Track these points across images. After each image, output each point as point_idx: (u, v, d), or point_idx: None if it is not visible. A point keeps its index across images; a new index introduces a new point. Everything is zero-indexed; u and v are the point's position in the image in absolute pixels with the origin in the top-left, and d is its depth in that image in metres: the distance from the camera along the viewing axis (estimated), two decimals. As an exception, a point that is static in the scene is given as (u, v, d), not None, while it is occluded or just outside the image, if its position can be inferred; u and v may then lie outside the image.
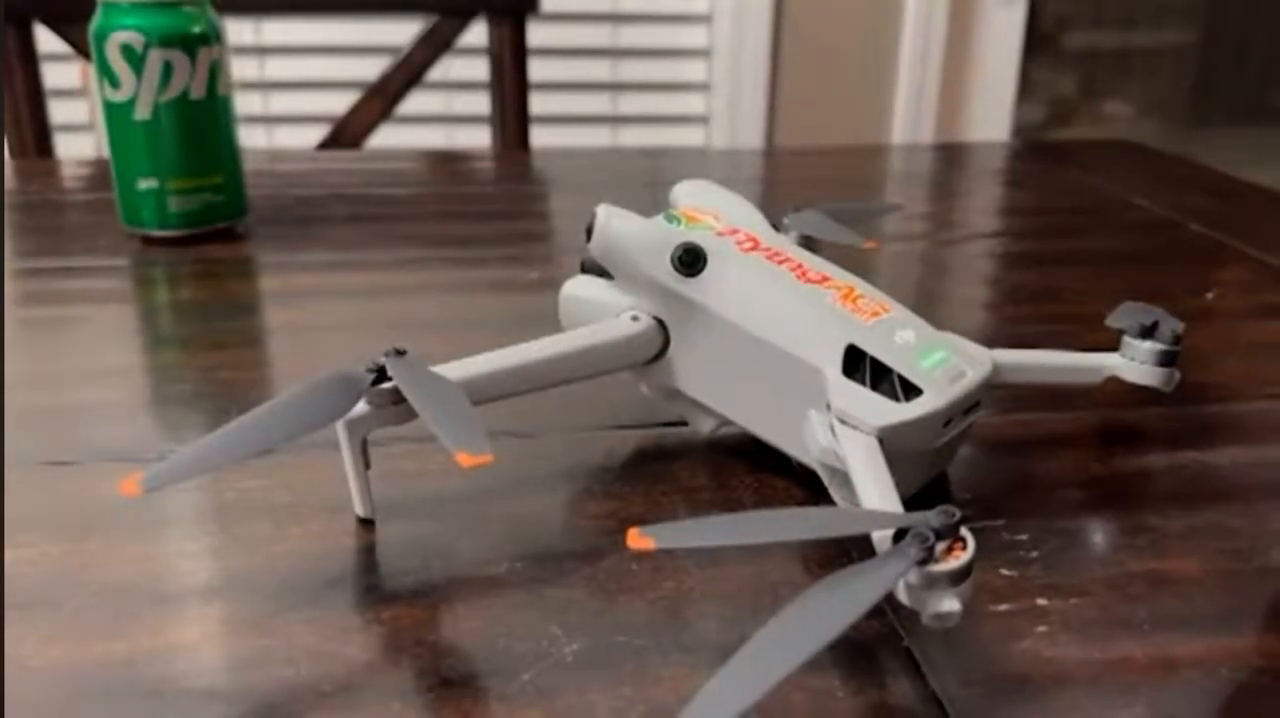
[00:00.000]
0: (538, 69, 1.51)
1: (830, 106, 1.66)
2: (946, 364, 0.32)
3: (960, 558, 0.24)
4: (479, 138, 1.58)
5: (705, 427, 0.36)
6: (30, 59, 0.93)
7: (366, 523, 0.32)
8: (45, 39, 0.94)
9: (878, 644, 0.27)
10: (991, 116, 1.70)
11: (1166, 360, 0.36)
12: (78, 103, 1.47)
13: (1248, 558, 0.31)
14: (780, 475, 0.35)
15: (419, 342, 0.46)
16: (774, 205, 0.68)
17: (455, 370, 0.32)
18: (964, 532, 0.24)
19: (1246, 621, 0.29)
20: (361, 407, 0.30)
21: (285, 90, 1.57)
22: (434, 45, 1.01)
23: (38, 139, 0.94)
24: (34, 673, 0.26)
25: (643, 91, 1.63)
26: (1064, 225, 0.66)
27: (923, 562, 0.23)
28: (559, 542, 0.32)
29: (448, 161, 0.82)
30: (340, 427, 0.30)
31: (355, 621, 0.28)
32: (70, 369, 0.43)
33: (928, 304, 0.52)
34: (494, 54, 1.00)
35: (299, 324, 0.48)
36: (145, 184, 0.57)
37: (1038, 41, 1.92)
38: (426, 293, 0.52)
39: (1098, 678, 0.26)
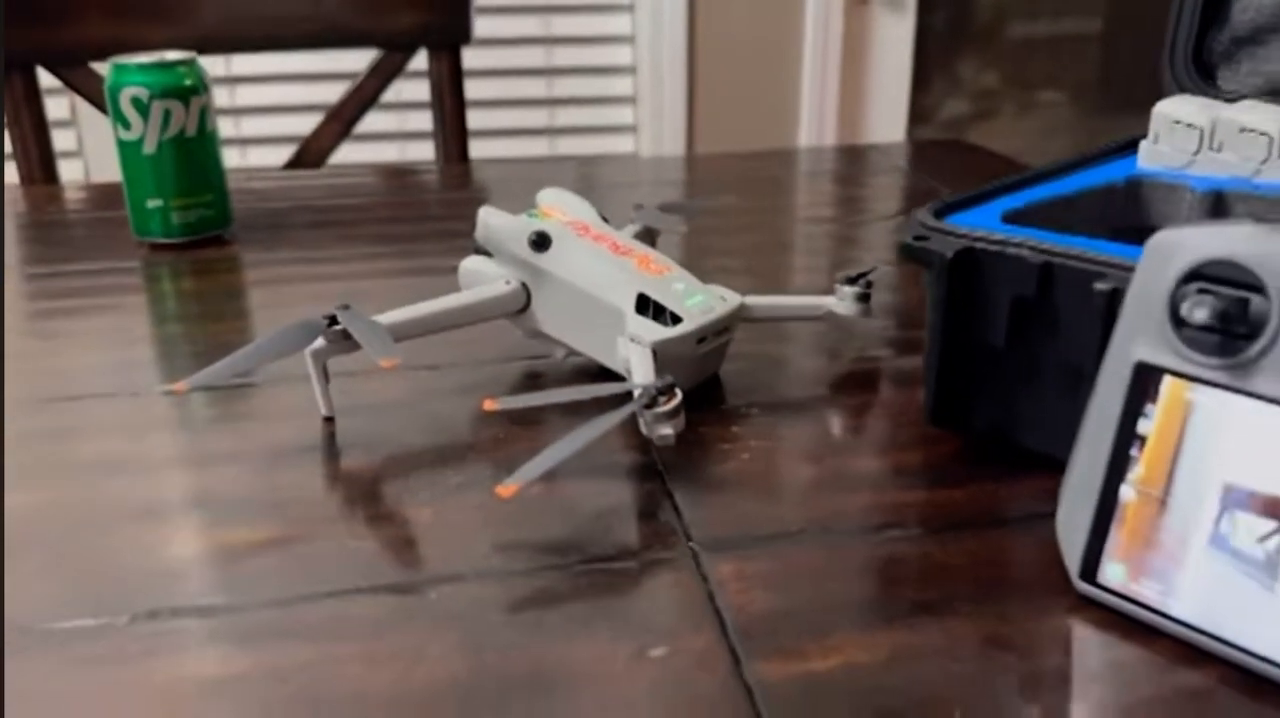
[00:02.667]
0: (480, 88, 1.67)
1: (743, 115, 1.84)
2: (703, 304, 0.49)
3: (671, 404, 0.41)
4: (429, 152, 1.74)
5: (559, 355, 0.53)
6: (35, 96, 1.09)
7: (328, 420, 0.49)
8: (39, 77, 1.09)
9: (641, 470, 0.44)
10: (889, 117, 1.89)
11: (863, 299, 0.53)
12: (68, 132, 1.62)
13: (901, 417, 0.48)
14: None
15: (366, 311, 0.62)
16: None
17: (384, 318, 0.49)
18: (676, 390, 0.41)
19: (888, 448, 0.45)
20: (320, 342, 0.47)
21: (254, 114, 1.73)
22: (384, 73, 1.17)
23: (44, 167, 1.10)
24: (111, 512, 0.42)
25: (575, 106, 1.81)
26: (882, 210, 0.83)
27: (650, 406, 0.40)
28: (461, 429, 0.48)
29: (397, 175, 0.98)
30: (307, 354, 0.47)
31: (321, 473, 0.44)
32: (104, 338, 0.59)
33: (794, 261, 0.69)
34: (434, 81, 1.17)
35: (276, 303, 0.65)
36: (152, 203, 0.73)
37: (966, 38, 2.09)
38: (373, 277, 0.69)
39: (775, 484, 0.43)
